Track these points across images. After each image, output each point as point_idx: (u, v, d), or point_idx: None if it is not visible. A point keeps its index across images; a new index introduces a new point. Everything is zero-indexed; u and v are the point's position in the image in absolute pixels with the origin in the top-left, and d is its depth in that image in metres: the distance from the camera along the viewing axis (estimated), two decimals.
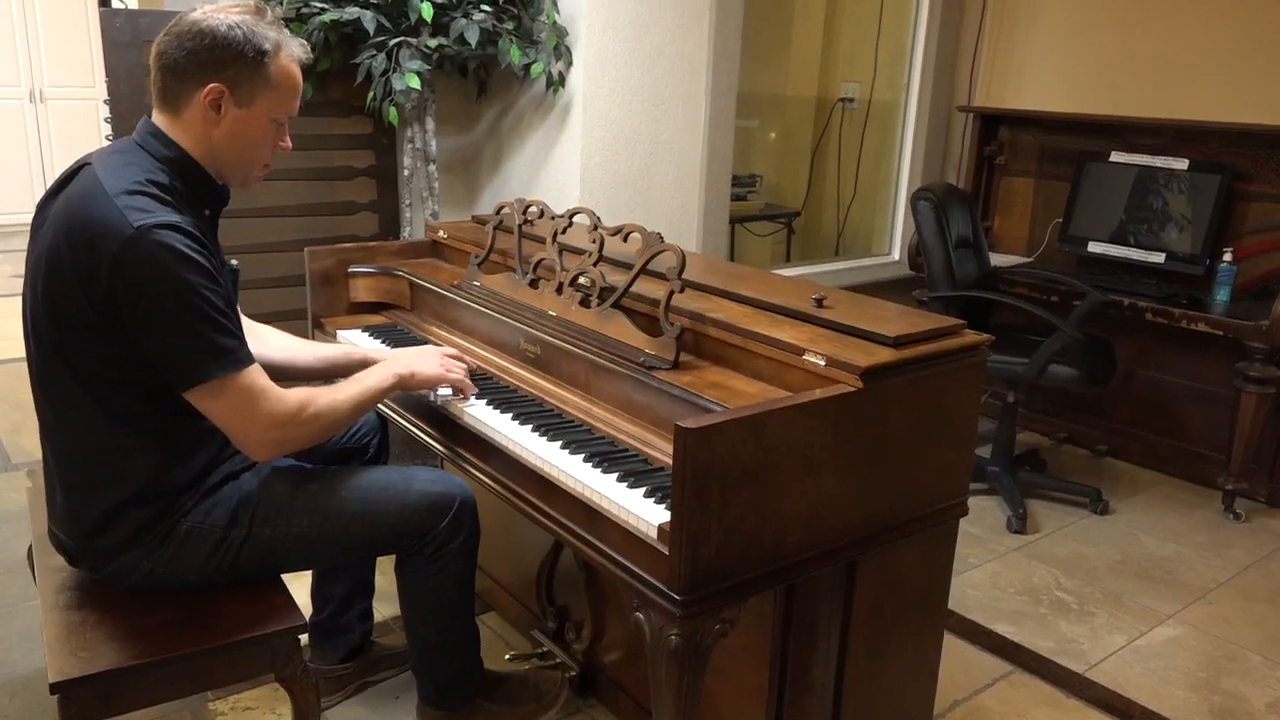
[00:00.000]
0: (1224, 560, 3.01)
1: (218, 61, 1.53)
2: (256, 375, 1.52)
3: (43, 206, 1.56)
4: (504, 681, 2.04)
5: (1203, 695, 2.32)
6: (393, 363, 1.78)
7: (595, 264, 1.89)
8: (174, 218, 1.46)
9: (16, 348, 4.26)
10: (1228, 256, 3.34)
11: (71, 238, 1.45)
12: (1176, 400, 3.64)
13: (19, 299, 1.63)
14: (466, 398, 1.82)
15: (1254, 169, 3.39)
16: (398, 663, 2.18)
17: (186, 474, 1.61)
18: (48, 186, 1.59)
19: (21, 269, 1.64)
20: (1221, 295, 3.32)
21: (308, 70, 1.65)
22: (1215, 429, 3.49)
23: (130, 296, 1.43)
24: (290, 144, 1.68)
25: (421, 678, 1.92)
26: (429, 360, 1.82)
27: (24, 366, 1.66)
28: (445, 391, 1.84)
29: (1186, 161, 3.47)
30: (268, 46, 1.56)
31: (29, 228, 1.61)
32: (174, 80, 1.54)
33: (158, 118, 1.58)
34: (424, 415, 1.92)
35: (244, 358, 1.50)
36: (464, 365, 1.86)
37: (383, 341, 2.19)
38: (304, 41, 1.66)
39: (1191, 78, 3.59)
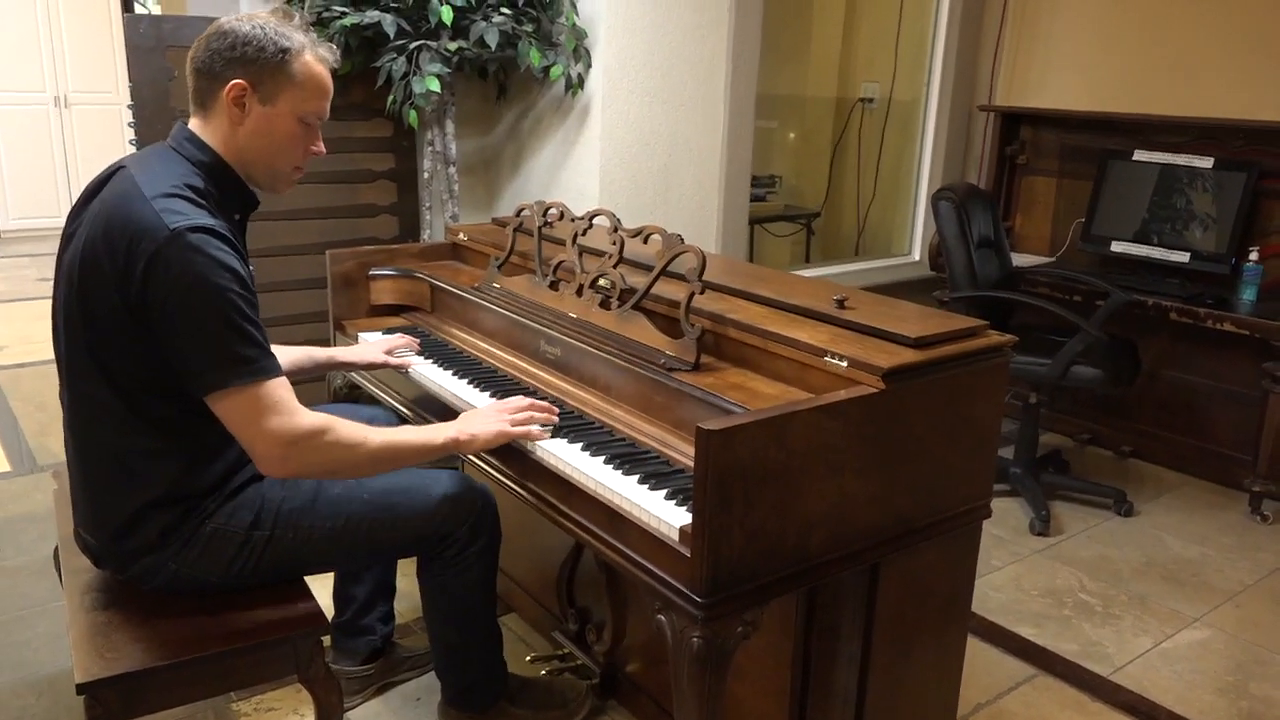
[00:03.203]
0: (1251, 563, 2.97)
1: (240, 59, 1.55)
2: (274, 388, 1.48)
3: (76, 212, 1.58)
4: (529, 686, 2.04)
5: (1230, 700, 2.29)
6: (449, 425, 1.69)
7: (615, 266, 1.89)
8: (209, 220, 1.47)
9: (43, 351, 4.31)
10: (1254, 255, 3.30)
11: (109, 238, 1.46)
12: (1202, 401, 3.59)
13: (47, 303, 1.65)
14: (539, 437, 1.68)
15: None
16: (419, 664, 2.19)
17: (211, 476, 1.62)
18: (73, 191, 1.62)
19: (48, 274, 1.65)
20: (1247, 294, 3.28)
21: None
22: (1241, 430, 3.45)
23: (160, 297, 1.44)
24: (324, 148, 1.69)
25: (445, 680, 1.93)
26: (488, 420, 1.69)
27: (51, 370, 1.67)
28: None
29: (1212, 160, 3.43)
30: (289, 45, 1.58)
31: (57, 233, 1.62)
32: (204, 81, 1.58)
33: (192, 122, 1.61)
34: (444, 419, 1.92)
35: (263, 369, 1.48)
36: (528, 413, 1.69)
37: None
38: (333, 46, 1.68)
39: (1216, 75, 3.55)
